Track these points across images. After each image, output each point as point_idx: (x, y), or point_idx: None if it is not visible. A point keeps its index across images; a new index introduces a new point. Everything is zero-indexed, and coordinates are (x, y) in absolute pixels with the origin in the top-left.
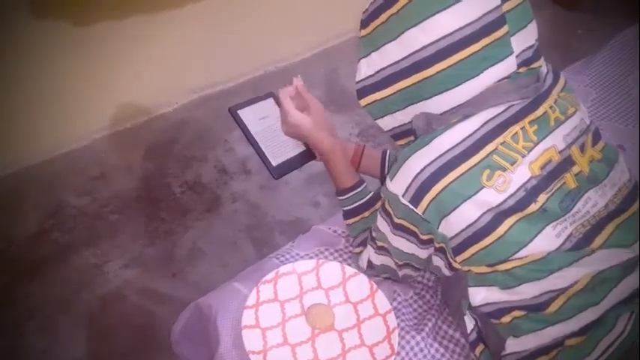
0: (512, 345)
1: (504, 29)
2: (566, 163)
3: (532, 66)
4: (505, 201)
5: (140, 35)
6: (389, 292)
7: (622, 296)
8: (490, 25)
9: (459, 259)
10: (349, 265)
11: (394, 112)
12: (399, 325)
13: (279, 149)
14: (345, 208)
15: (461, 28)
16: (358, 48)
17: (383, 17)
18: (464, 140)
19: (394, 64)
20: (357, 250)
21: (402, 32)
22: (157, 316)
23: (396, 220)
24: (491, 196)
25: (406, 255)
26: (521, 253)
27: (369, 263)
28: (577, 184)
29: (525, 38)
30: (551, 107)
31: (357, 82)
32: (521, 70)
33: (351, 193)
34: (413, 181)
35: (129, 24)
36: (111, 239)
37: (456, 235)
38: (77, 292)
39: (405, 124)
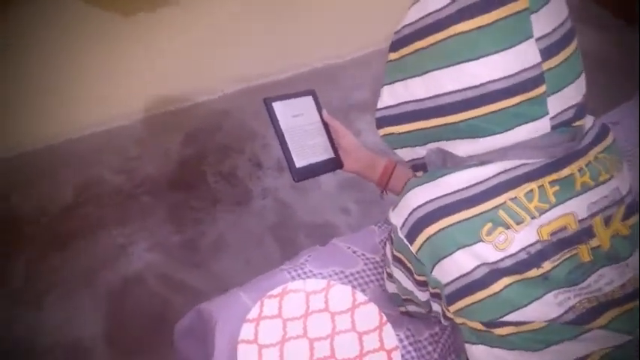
0: None
1: (541, 89)
2: (584, 234)
3: (572, 125)
4: (503, 260)
5: (192, 20)
6: (401, 330)
7: None
8: (525, 82)
9: (452, 308)
10: (363, 290)
11: (413, 146)
12: None
13: (306, 151)
14: None
15: (493, 81)
16: (384, 71)
17: (412, 47)
18: (472, 186)
19: (417, 101)
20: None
21: (429, 71)
22: (172, 305)
23: (395, 253)
24: (488, 252)
25: (406, 290)
26: (516, 316)
27: (387, 291)
28: (592, 258)
29: (567, 97)
30: (580, 170)
31: (378, 110)
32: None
33: None
34: (409, 216)
35: (182, 7)
36: (140, 221)
37: (450, 282)
38: (101, 269)
39: (424, 157)
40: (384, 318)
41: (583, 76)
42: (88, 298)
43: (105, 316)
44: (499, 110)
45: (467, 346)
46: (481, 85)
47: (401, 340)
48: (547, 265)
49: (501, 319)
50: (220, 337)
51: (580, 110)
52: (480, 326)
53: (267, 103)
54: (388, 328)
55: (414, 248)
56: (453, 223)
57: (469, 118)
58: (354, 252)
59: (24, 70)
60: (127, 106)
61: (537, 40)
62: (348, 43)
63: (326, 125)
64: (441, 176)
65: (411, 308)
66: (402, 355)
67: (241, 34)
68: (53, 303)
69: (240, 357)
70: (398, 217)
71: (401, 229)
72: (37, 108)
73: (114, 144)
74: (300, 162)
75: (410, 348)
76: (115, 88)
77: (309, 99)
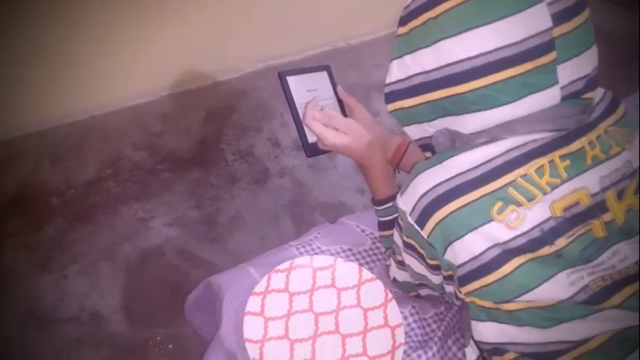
0: None
1: (551, 56)
2: (597, 208)
3: (582, 97)
4: (515, 238)
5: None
6: (406, 307)
7: None
8: (535, 49)
9: (463, 290)
10: (371, 268)
11: (421, 122)
12: (407, 342)
13: None
14: (381, 219)
15: (501, 48)
16: (393, 46)
17: (421, 19)
18: (480, 165)
19: (426, 72)
20: (388, 262)
21: (438, 40)
22: (189, 278)
23: (406, 239)
24: (499, 231)
25: (418, 275)
26: (527, 297)
27: (394, 279)
28: (606, 233)
29: (578, 67)
30: (590, 143)
31: (387, 85)
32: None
33: (388, 205)
34: (418, 201)
35: None
36: (160, 196)
37: (462, 265)
38: (121, 242)
39: (431, 136)
40: (390, 295)
41: (595, 48)
42: (109, 270)
43: (123, 287)
44: (508, 78)
45: (473, 323)
46: (490, 52)
47: (405, 318)
48: (560, 242)
49: (513, 301)
50: (227, 308)
51: (591, 82)
52: (489, 304)
53: (282, 77)
54: (393, 305)
55: (424, 233)
56: (462, 206)
57: (477, 88)
58: (363, 230)
59: (55, 47)
60: (151, 84)
61: (549, 4)
62: (370, 23)
63: (340, 101)
64: (448, 158)
65: (424, 292)
66: (406, 332)
67: (262, 13)
68: (78, 274)
69: (246, 328)
70: (406, 203)
71: (410, 214)
72: (69, 84)
73: (139, 120)
74: (312, 137)
75: (414, 325)
76: (140, 66)
77: (324, 74)
